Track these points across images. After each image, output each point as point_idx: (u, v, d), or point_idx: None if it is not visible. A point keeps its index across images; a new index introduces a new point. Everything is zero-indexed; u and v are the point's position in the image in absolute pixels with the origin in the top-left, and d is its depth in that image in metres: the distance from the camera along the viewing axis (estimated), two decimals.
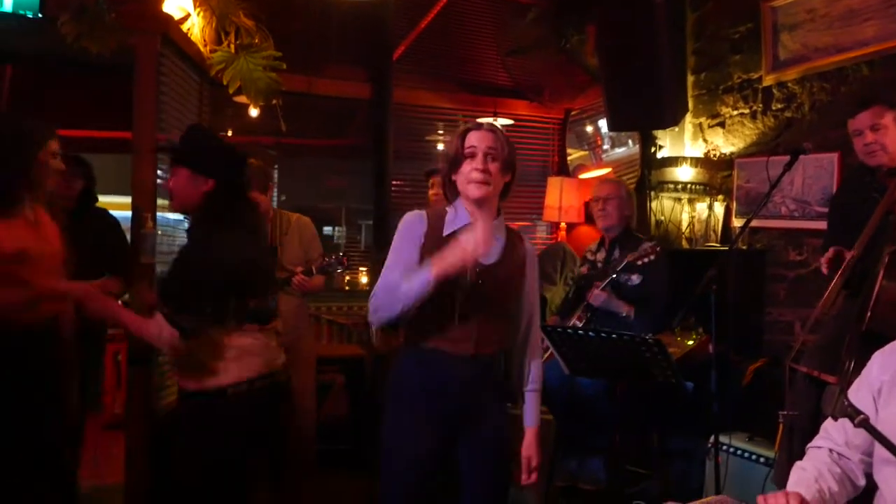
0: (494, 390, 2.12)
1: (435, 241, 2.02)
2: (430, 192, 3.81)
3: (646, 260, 3.22)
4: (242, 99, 3.97)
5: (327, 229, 5.51)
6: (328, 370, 4.53)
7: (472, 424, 2.07)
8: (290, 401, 2.68)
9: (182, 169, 2.28)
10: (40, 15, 2.97)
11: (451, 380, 2.04)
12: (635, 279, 3.35)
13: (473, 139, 2.01)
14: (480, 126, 2.05)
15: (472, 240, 1.84)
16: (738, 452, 3.10)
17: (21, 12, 2.95)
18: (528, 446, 2.13)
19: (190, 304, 2.16)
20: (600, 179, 4.11)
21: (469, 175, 1.99)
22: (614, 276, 3.31)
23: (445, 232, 2.04)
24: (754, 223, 3.87)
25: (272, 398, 2.35)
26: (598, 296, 3.34)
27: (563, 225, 5.36)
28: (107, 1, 3.05)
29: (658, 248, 3.28)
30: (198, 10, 3.73)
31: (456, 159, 2.03)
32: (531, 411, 2.16)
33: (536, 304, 2.19)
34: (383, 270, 2.04)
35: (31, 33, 3.03)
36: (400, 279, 1.96)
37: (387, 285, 1.99)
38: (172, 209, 2.69)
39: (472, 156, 2.00)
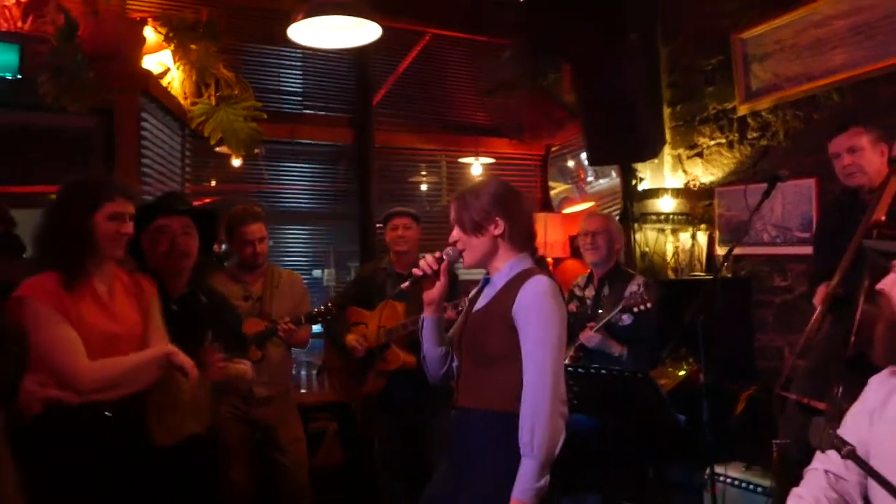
0: (488, 458, 1.92)
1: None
2: (393, 233, 3.58)
3: (642, 307, 3.12)
4: (225, 149, 4.00)
5: (317, 272, 5.48)
6: (320, 417, 4.47)
7: (466, 489, 1.97)
8: None
9: None
10: (20, 76, 2.99)
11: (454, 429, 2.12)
12: (626, 319, 3.24)
13: None
14: None
15: None
16: (735, 483, 3.07)
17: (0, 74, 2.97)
18: None
19: None
20: (588, 213, 4.11)
21: None
22: (609, 318, 3.23)
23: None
24: (738, 251, 3.91)
25: None
26: (591, 337, 3.25)
27: (549, 260, 5.37)
28: (85, 60, 3.08)
29: (651, 288, 3.20)
30: (177, 64, 3.78)
31: None
32: (518, 479, 1.83)
33: (536, 361, 1.88)
34: None
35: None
36: None
37: None
38: None
39: None
